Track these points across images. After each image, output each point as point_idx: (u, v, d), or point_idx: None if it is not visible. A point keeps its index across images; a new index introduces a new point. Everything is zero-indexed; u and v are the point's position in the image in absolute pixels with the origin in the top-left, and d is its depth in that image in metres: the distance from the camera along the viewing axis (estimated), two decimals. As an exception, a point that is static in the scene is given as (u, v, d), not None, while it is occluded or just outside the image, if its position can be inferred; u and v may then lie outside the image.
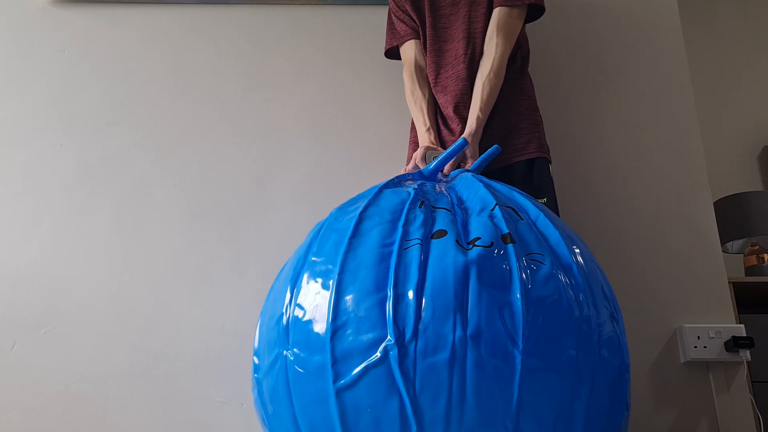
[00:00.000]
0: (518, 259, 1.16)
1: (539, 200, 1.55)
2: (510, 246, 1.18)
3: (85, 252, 2.09)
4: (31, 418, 1.92)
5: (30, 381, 1.95)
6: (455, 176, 1.56)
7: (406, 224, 1.23)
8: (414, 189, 1.36)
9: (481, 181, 1.42)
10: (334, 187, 2.14)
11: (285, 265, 1.39)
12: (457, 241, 1.18)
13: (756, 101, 3.55)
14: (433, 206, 1.31)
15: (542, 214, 1.32)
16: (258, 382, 1.29)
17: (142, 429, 1.92)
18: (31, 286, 2.04)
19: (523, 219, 1.29)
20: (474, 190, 1.39)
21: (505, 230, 1.22)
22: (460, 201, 1.38)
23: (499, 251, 1.17)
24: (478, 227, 1.23)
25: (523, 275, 1.14)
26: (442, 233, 1.20)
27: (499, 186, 1.43)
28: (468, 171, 1.56)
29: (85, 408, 1.93)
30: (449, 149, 1.59)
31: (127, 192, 2.15)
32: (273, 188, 2.17)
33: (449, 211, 1.29)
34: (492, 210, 1.28)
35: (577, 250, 1.27)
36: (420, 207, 1.28)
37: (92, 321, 2.02)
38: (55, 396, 1.94)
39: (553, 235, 1.27)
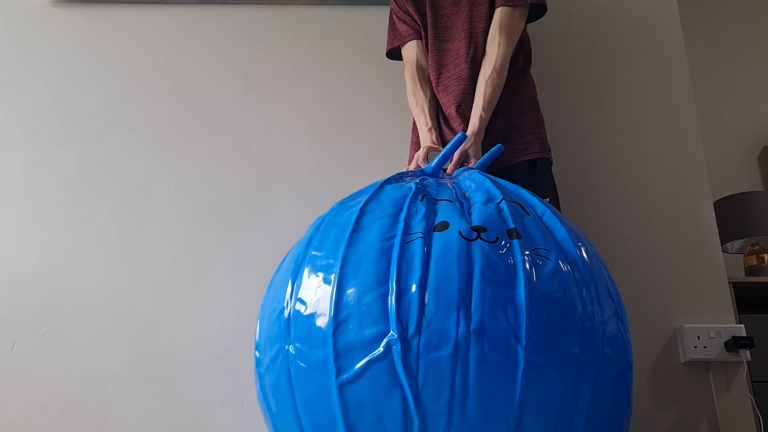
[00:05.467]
0: (523, 255, 1.16)
1: (541, 200, 1.55)
2: (515, 242, 1.18)
3: (85, 252, 2.08)
4: (31, 418, 1.92)
5: (30, 381, 1.95)
6: (459, 173, 1.55)
7: (408, 218, 1.23)
8: (415, 183, 1.36)
9: (486, 176, 1.42)
10: (334, 187, 2.14)
11: (284, 258, 1.39)
12: (459, 232, 1.18)
13: (756, 101, 3.55)
14: (435, 199, 1.31)
15: (549, 211, 1.33)
16: (260, 377, 1.29)
17: (142, 429, 1.92)
18: (31, 286, 2.04)
19: (530, 214, 1.29)
20: (479, 184, 1.39)
21: (512, 225, 1.22)
22: (464, 193, 1.38)
23: (504, 247, 1.17)
24: (483, 216, 1.23)
25: (528, 272, 1.14)
26: (445, 225, 1.20)
27: (506, 183, 1.43)
28: (472, 168, 1.56)
29: (85, 408, 1.93)
30: (449, 145, 1.59)
31: (127, 192, 2.15)
32: (273, 188, 2.17)
33: (451, 201, 1.29)
34: (499, 203, 1.28)
35: (583, 247, 1.27)
36: (421, 200, 1.28)
37: (92, 321, 2.01)
38: (55, 396, 1.94)
39: (560, 231, 1.27)
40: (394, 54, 2.08)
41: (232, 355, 1.98)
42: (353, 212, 1.27)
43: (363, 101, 2.27)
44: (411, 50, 2.00)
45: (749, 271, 2.85)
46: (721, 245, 2.36)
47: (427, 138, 1.84)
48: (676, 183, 2.20)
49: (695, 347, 1.99)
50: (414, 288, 1.11)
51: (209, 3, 2.37)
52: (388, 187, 1.36)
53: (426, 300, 1.10)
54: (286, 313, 1.21)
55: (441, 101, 1.91)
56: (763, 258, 2.82)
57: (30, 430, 1.91)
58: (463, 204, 1.30)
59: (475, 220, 1.22)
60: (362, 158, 2.20)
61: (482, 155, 1.68)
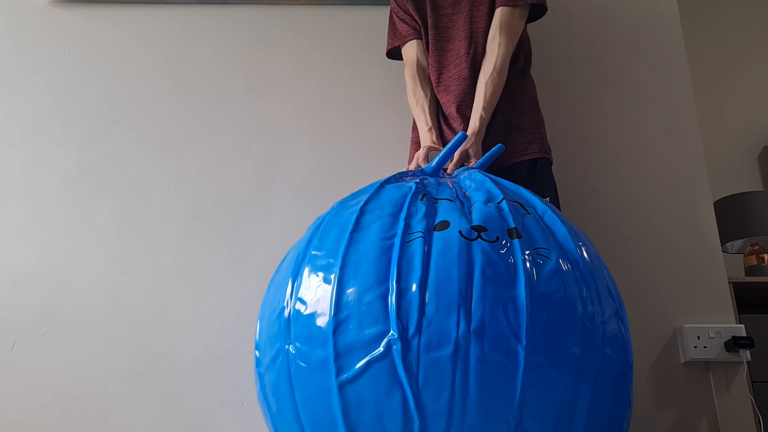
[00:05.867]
0: (524, 255, 1.16)
1: (541, 200, 1.54)
2: (516, 241, 1.18)
3: (85, 252, 2.08)
4: (31, 418, 1.92)
5: (30, 381, 1.95)
6: (459, 173, 1.55)
7: (408, 217, 1.23)
8: (415, 183, 1.36)
9: (487, 176, 1.42)
10: (334, 187, 2.14)
11: (284, 258, 1.39)
12: (460, 232, 1.18)
13: (756, 101, 3.55)
14: (435, 198, 1.31)
15: (549, 210, 1.33)
16: (260, 377, 1.29)
17: (142, 429, 1.92)
18: (31, 286, 2.04)
19: (530, 214, 1.29)
20: (480, 183, 1.39)
21: (512, 224, 1.22)
22: (464, 193, 1.38)
23: (504, 246, 1.17)
24: (484, 215, 1.23)
25: (528, 271, 1.14)
26: (445, 225, 1.20)
27: (506, 182, 1.43)
28: (473, 168, 1.56)
29: (85, 408, 1.93)
30: (449, 144, 1.59)
31: (127, 192, 2.15)
32: (273, 188, 2.17)
33: (452, 201, 1.29)
34: (499, 203, 1.28)
35: (584, 247, 1.27)
36: (422, 199, 1.28)
37: (92, 321, 2.01)
38: (55, 396, 1.94)
39: (560, 230, 1.27)
40: (394, 54, 2.08)
41: (232, 355, 1.98)
42: (353, 212, 1.27)
43: (363, 101, 2.27)
44: (411, 50, 2.00)
45: (749, 271, 2.85)
46: (721, 245, 2.36)
47: (427, 138, 1.84)
48: (676, 183, 2.20)
49: (695, 347, 1.99)
50: (414, 287, 1.11)
51: (209, 3, 2.37)
52: (388, 186, 1.36)
53: (426, 299, 1.10)
54: (286, 312, 1.21)
55: (441, 101, 1.91)
56: (763, 258, 2.82)
57: (30, 430, 1.91)
58: (463, 203, 1.30)
59: (476, 219, 1.22)
60: (362, 158, 2.20)
61: (482, 155, 1.68)
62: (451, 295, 1.09)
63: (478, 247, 1.15)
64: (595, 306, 1.17)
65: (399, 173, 1.49)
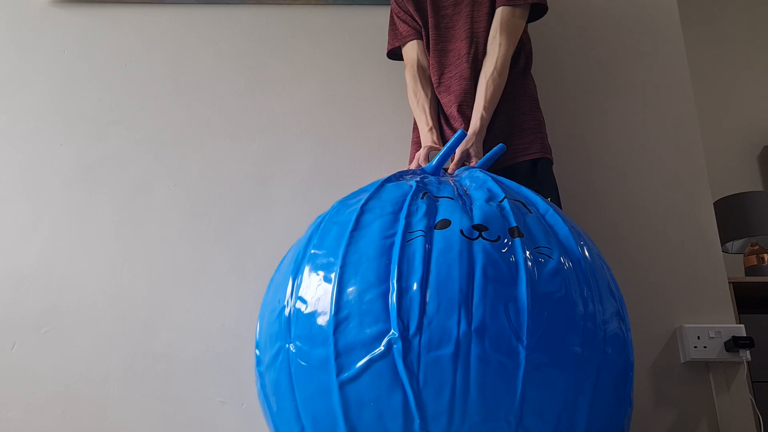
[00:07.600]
0: (525, 254, 1.16)
1: (542, 200, 1.54)
2: (517, 240, 1.18)
3: (85, 252, 2.08)
4: (31, 418, 1.92)
5: (30, 381, 1.95)
6: (461, 172, 1.55)
7: (409, 216, 1.22)
8: (416, 181, 1.36)
9: (488, 175, 1.42)
10: (334, 187, 2.13)
11: (284, 257, 1.39)
12: (461, 231, 1.17)
13: (756, 101, 3.55)
14: (435, 196, 1.30)
15: (551, 209, 1.32)
16: (261, 376, 1.29)
17: (142, 429, 1.92)
18: (31, 286, 2.04)
19: (532, 212, 1.29)
20: (481, 182, 1.39)
21: (513, 224, 1.22)
22: (465, 191, 1.37)
23: (506, 245, 1.17)
24: (485, 214, 1.22)
25: (530, 270, 1.13)
26: (446, 223, 1.19)
27: (508, 181, 1.43)
28: (474, 168, 1.56)
29: (85, 408, 1.93)
30: (449, 143, 1.58)
31: (127, 192, 2.15)
32: (273, 188, 2.17)
33: (452, 199, 1.29)
34: (501, 202, 1.28)
35: (585, 246, 1.27)
36: (422, 198, 1.28)
37: (92, 321, 2.01)
38: (55, 396, 1.94)
39: (562, 229, 1.27)
40: (395, 54, 2.09)
41: (232, 355, 1.98)
42: (354, 210, 1.27)
43: (363, 101, 2.27)
44: (412, 50, 2.01)
45: (749, 271, 2.85)
46: (721, 245, 2.36)
47: (428, 137, 1.84)
48: (676, 183, 2.20)
49: (695, 347, 1.99)
50: (415, 286, 1.10)
51: (209, 3, 2.37)
52: (389, 185, 1.36)
53: (427, 298, 1.09)
54: (286, 311, 1.21)
55: (442, 101, 1.91)
56: (763, 258, 2.82)
57: (30, 430, 1.91)
58: (464, 201, 1.29)
59: (477, 218, 1.22)
60: (362, 158, 2.20)
61: (483, 155, 1.67)
62: (452, 294, 1.09)
63: (479, 246, 1.15)
64: (596, 305, 1.17)
65: (399, 172, 1.49)
